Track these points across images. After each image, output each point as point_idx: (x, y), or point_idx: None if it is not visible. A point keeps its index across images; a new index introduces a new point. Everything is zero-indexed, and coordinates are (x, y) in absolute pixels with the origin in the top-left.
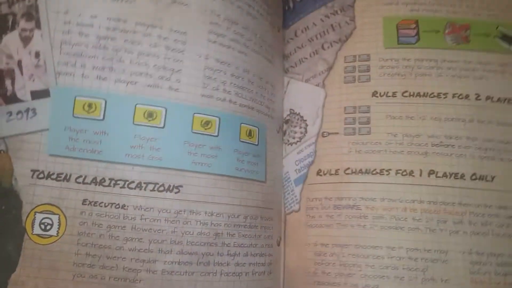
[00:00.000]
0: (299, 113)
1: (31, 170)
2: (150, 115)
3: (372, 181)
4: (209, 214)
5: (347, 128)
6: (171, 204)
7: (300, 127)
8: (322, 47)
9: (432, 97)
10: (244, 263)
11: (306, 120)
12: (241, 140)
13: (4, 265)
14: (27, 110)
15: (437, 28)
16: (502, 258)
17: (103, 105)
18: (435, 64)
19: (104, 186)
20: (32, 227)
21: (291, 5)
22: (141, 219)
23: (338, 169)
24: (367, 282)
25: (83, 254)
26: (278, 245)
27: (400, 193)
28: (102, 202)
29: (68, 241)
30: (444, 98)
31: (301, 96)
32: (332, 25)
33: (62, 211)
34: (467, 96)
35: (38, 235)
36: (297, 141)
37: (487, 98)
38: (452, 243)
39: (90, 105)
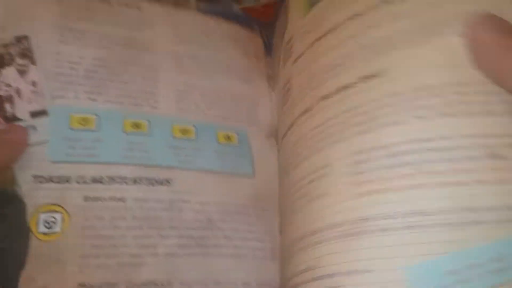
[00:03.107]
0: None
1: (33, 176)
2: (136, 125)
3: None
4: (200, 203)
5: None
6: (164, 195)
7: None
8: None
9: None
10: (242, 246)
11: None
12: (220, 142)
13: (14, 263)
14: (27, 127)
15: None
16: None
17: (96, 120)
18: None
19: (102, 183)
20: (37, 226)
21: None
22: (140, 209)
23: None
24: None
25: (88, 246)
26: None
27: None
28: (102, 197)
29: (73, 236)
30: None
31: None
32: None
33: (64, 209)
34: None
35: (43, 233)
36: None
37: None
38: None
39: (84, 119)
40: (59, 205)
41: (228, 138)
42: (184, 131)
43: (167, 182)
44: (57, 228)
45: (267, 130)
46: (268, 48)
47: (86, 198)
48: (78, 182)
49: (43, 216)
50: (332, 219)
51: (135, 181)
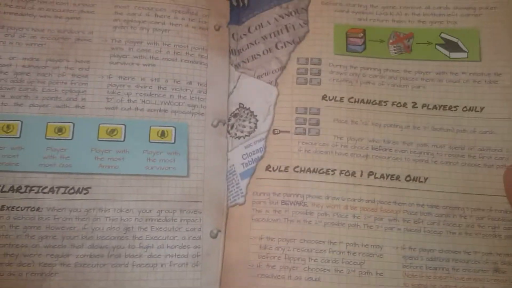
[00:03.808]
0: (249, 108)
1: None
2: (59, 130)
3: (318, 180)
4: (118, 211)
5: (298, 128)
6: (81, 204)
7: (250, 122)
8: (276, 46)
9: (374, 104)
10: (159, 255)
11: (256, 116)
12: (151, 141)
13: None
14: None
15: (382, 38)
16: (433, 254)
17: (19, 126)
18: (378, 73)
19: (20, 192)
20: None
21: (246, 1)
22: (54, 218)
23: (288, 166)
24: (309, 275)
25: (1, 254)
26: (215, 237)
27: (342, 192)
28: (18, 207)
29: None
30: (384, 105)
31: (252, 91)
32: (286, 26)
33: None
34: (404, 104)
35: None
36: (246, 136)
37: (423, 105)
38: (387, 239)
39: (8, 126)
40: None
41: (163, 134)
42: (112, 132)
43: (85, 190)
44: None
45: (216, 117)
46: (237, 12)
47: (3, 207)
48: None
49: None
50: None
51: (52, 190)
